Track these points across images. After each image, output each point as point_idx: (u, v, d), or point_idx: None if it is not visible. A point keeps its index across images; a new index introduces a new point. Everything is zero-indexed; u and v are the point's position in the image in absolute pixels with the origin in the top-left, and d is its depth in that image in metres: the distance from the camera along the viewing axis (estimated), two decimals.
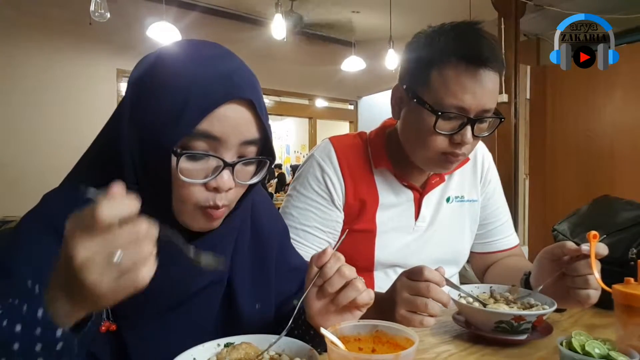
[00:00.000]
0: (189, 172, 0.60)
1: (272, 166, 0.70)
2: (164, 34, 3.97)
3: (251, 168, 0.67)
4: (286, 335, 0.62)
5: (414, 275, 0.79)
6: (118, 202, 0.43)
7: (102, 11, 3.33)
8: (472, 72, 0.91)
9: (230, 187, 0.62)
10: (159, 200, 0.62)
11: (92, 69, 4.62)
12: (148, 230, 0.44)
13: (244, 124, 0.61)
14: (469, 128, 0.93)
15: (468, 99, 0.91)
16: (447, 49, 0.93)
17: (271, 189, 7.18)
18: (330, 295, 0.65)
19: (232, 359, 0.58)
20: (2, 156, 4.16)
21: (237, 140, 0.61)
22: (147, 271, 0.44)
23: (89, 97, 4.46)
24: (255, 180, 0.67)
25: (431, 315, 0.77)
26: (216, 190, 0.62)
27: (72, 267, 0.42)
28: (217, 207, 0.63)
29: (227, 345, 0.61)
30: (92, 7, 3.31)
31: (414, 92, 0.97)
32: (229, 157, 0.61)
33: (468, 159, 1.17)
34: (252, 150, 0.64)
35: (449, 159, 0.98)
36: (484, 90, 0.92)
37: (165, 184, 0.61)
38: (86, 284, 0.42)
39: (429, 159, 1.01)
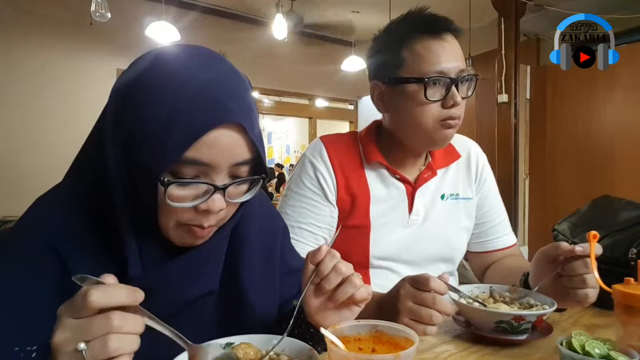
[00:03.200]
0: (179, 197, 0.58)
1: (267, 181, 0.68)
2: (163, 33, 3.97)
3: (244, 187, 0.65)
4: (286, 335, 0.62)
5: (419, 284, 0.78)
6: (110, 291, 0.44)
7: (103, 11, 3.33)
8: (438, 39, 1.00)
9: (221, 209, 0.61)
10: (145, 214, 0.61)
11: (92, 68, 4.62)
12: (120, 325, 0.44)
13: (235, 148, 0.59)
14: (455, 89, 0.99)
15: (444, 62, 0.99)
16: (408, 29, 1.03)
17: (271, 189, 7.18)
18: (328, 292, 0.64)
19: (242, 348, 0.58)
20: (1, 156, 4.16)
21: (227, 164, 0.59)
22: None
23: (88, 96, 4.45)
24: (247, 197, 0.66)
25: (434, 325, 0.77)
26: (206, 212, 0.60)
27: (52, 346, 0.44)
28: (203, 227, 0.62)
29: (227, 345, 0.61)
30: (92, 7, 3.31)
31: (393, 77, 1.04)
32: (220, 180, 0.60)
33: (459, 156, 1.18)
34: (244, 170, 0.62)
35: (448, 124, 1.02)
36: (453, 51, 1.01)
37: (152, 204, 0.59)
38: None
39: (430, 133, 1.03)
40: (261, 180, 0.66)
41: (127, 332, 0.44)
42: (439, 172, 1.15)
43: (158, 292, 0.65)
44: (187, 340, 0.53)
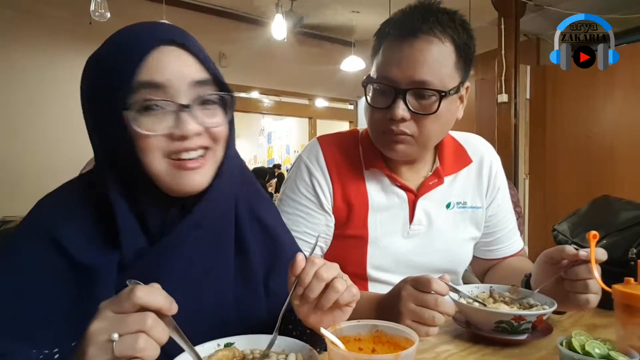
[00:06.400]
0: (148, 125, 0.61)
1: (232, 100, 0.69)
2: None
3: (215, 111, 0.67)
4: (285, 335, 0.63)
5: (421, 286, 0.77)
6: (153, 292, 0.47)
7: (103, 11, 3.33)
8: (399, 43, 0.92)
9: (196, 132, 0.63)
10: (135, 175, 0.63)
11: None
12: (152, 327, 0.46)
13: (185, 66, 0.62)
14: (399, 102, 0.91)
15: (394, 70, 0.91)
16: (385, 27, 0.97)
17: (271, 189, 7.18)
18: (313, 300, 0.62)
19: (217, 358, 0.58)
20: (2, 156, 4.16)
21: (184, 83, 0.62)
22: None
23: None
24: (220, 121, 0.67)
25: (436, 326, 0.76)
26: (183, 138, 0.62)
27: (85, 335, 0.45)
28: (186, 151, 0.63)
29: (227, 345, 0.61)
30: (92, 7, 3.32)
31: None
32: (183, 101, 0.62)
33: (471, 161, 1.11)
34: (208, 92, 0.65)
35: (390, 138, 0.96)
36: (412, 59, 0.90)
37: (130, 149, 0.62)
38: (85, 354, 0.44)
39: (376, 141, 1.00)
40: (230, 100, 0.68)
41: (155, 336, 0.46)
42: (447, 179, 1.07)
43: (171, 259, 0.66)
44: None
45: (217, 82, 0.66)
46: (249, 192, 0.80)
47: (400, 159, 1.03)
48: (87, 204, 0.66)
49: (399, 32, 0.92)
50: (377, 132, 0.99)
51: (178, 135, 0.61)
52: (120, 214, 0.63)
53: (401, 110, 0.91)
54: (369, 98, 0.97)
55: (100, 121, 0.64)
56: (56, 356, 0.52)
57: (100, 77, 0.63)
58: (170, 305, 0.48)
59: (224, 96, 0.67)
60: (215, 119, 0.66)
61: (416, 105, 0.92)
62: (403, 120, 0.92)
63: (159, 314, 0.47)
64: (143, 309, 0.46)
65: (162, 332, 0.47)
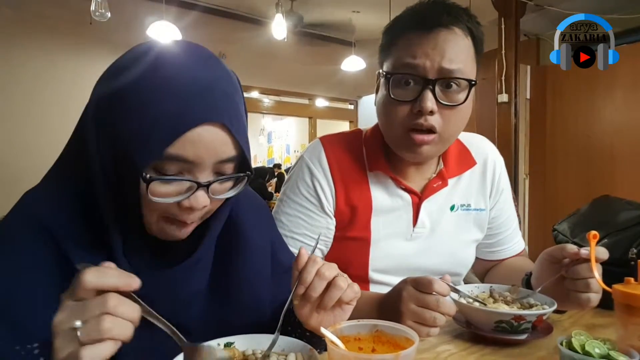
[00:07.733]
0: (161, 193, 0.58)
1: (249, 178, 0.67)
2: (164, 33, 3.98)
3: (228, 184, 0.65)
4: (284, 335, 0.62)
5: (422, 287, 0.76)
6: (104, 273, 0.46)
7: (103, 10, 3.33)
8: (423, 34, 0.90)
9: (205, 206, 0.61)
10: (129, 210, 0.61)
11: (93, 68, 4.59)
12: (116, 306, 0.45)
13: (219, 145, 0.59)
14: (428, 93, 0.89)
15: (420, 60, 0.89)
16: (402, 21, 0.96)
17: (271, 189, 7.18)
18: (316, 300, 0.62)
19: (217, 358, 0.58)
20: (2, 156, 4.16)
21: (211, 161, 0.59)
22: (102, 349, 0.44)
23: (88, 96, 4.44)
24: (232, 194, 0.65)
25: (437, 327, 0.76)
26: (190, 209, 0.60)
27: (52, 330, 0.45)
28: (184, 224, 0.62)
29: (226, 344, 0.61)
30: (92, 7, 3.32)
31: (381, 68, 0.99)
32: (204, 177, 0.60)
33: (475, 163, 1.09)
34: (229, 167, 0.62)
35: (415, 136, 0.92)
36: (438, 49, 0.89)
37: (135, 201, 0.59)
38: (54, 347, 0.44)
39: (396, 139, 0.97)
40: (246, 178, 0.66)
41: (122, 315, 0.45)
42: (451, 181, 1.06)
43: (146, 297, 0.65)
44: (183, 338, 0.53)
45: (242, 158, 0.63)
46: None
47: (420, 161, 1.02)
48: (73, 209, 0.64)
49: (422, 23, 0.91)
50: (402, 131, 0.94)
51: (186, 206, 0.60)
52: (114, 242, 0.62)
53: (430, 101, 0.89)
54: (390, 92, 0.94)
55: (108, 155, 0.60)
56: (35, 351, 0.51)
57: (125, 118, 0.57)
58: (127, 281, 0.47)
59: (243, 175, 0.65)
60: (226, 192, 0.65)
61: (443, 97, 0.91)
62: (431, 112, 0.90)
63: (122, 293, 0.46)
64: (101, 292, 0.45)
65: (130, 309, 0.46)
